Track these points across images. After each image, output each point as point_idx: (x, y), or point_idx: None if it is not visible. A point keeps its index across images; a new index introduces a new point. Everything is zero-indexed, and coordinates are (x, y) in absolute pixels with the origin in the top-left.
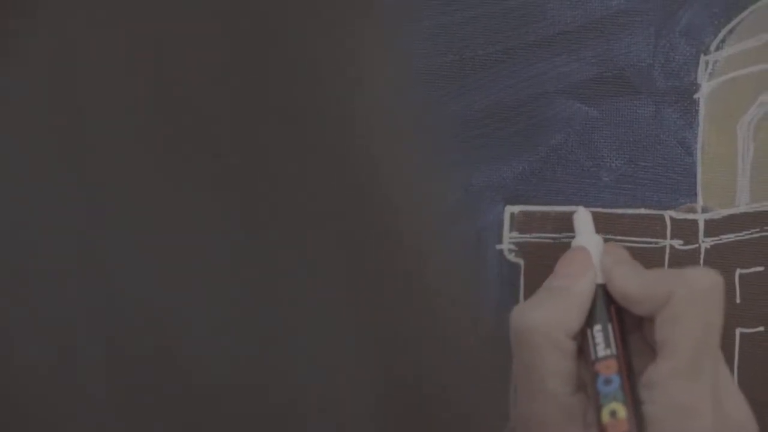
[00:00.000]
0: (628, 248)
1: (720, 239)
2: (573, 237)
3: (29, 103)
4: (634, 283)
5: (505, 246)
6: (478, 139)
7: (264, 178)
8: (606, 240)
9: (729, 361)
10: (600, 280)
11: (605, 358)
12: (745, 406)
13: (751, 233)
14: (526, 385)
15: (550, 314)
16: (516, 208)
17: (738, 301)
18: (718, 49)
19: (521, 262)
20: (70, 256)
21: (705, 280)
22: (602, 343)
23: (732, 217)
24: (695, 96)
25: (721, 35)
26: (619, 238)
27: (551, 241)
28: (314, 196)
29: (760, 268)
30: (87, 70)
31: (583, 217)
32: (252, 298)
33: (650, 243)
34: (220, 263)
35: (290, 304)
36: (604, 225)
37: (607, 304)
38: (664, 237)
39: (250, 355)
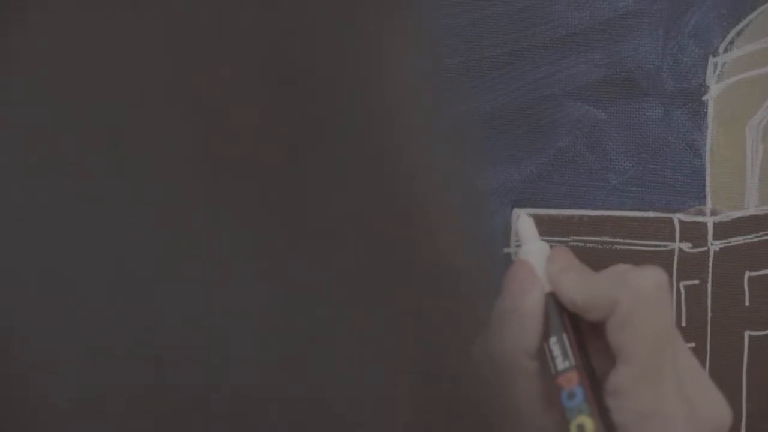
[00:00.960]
0: (636, 251)
1: (729, 242)
2: (581, 241)
3: (70, 133)
4: (580, 291)
5: (513, 249)
6: (485, 142)
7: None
8: (551, 244)
9: (737, 364)
10: (548, 289)
11: (565, 370)
12: (715, 396)
13: (761, 236)
14: (505, 410)
15: (506, 340)
16: (524, 212)
17: (747, 303)
18: (726, 50)
19: None
20: (113, 281)
21: (649, 281)
22: (560, 355)
23: (741, 219)
24: (704, 98)
25: (729, 37)
26: (627, 241)
27: (560, 244)
28: (330, 203)
29: None
30: (126, 92)
31: (525, 224)
32: (288, 315)
33: (659, 246)
34: (255, 282)
35: (324, 318)
36: (612, 228)
37: (560, 313)
38: (672, 240)
39: (291, 374)
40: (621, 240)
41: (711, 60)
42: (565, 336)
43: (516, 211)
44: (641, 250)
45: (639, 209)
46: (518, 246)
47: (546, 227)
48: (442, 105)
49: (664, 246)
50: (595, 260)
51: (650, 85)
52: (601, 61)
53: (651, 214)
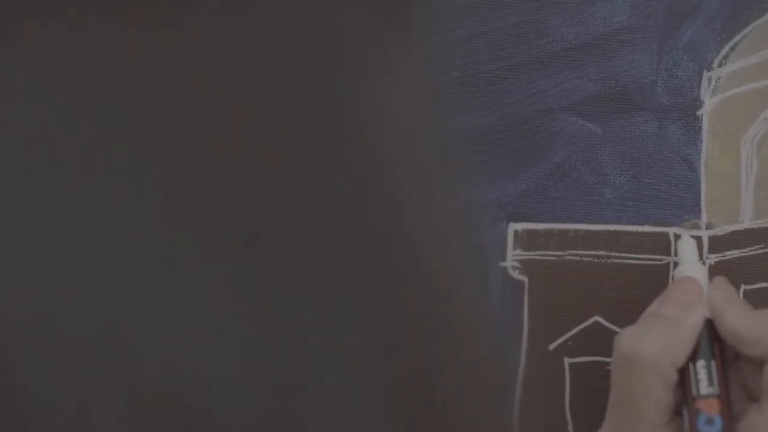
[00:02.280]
0: (632, 265)
1: (724, 255)
2: (577, 255)
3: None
4: (746, 324)
5: (509, 263)
6: (480, 156)
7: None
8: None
9: None
10: (707, 315)
11: (708, 396)
12: None
13: (756, 249)
14: (622, 409)
15: (660, 343)
16: (519, 226)
17: None
18: (721, 65)
19: (525, 279)
20: (94, 312)
21: None
22: (705, 380)
23: (736, 233)
24: (698, 112)
25: (723, 51)
26: (622, 255)
27: (555, 258)
28: (321, 208)
29: (765, 284)
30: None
31: (688, 244)
32: (271, 343)
33: (654, 260)
34: (239, 313)
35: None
36: (607, 242)
37: (711, 340)
38: (668, 254)
39: (273, 402)
40: (616, 254)
41: (705, 75)
42: (713, 363)
43: (677, 230)
44: (637, 264)
45: (634, 223)
46: (533, 256)
47: (541, 241)
48: (438, 119)
49: (660, 260)
50: (591, 274)
51: (645, 99)
52: (596, 76)
53: (646, 228)
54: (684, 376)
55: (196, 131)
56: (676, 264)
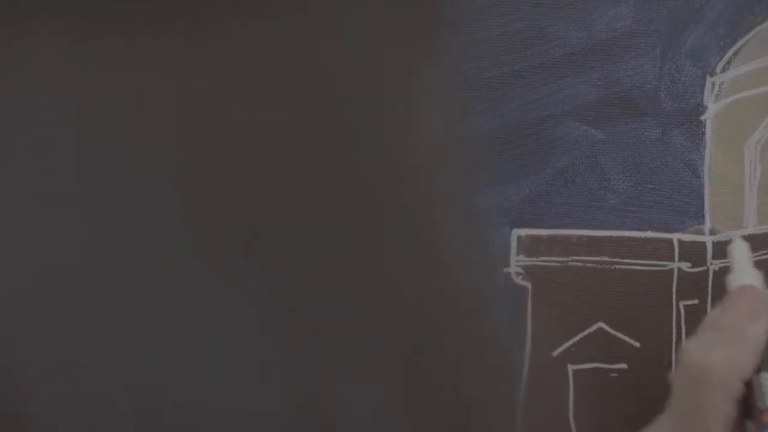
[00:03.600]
0: (636, 271)
1: (728, 261)
2: (581, 261)
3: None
4: None
5: (513, 269)
6: (483, 162)
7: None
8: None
9: None
10: None
11: None
12: None
13: (759, 255)
14: (688, 424)
15: (727, 356)
16: (523, 231)
17: None
18: (724, 70)
19: (529, 285)
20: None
21: None
22: None
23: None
24: (702, 117)
25: (727, 56)
26: (626, 261)
27: (558, 264)
28: (330, 221)
29: None
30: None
31: (740, 249)
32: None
33: (658, 266)
34: (254, 342)
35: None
36: (610, 248)
37: None
38: (672, 260)
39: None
40: (620, 260)
41: (708, 80)
42: None
43: (731, 234)
44: (640, 269)
45: (638, 229)
46: (537, 261)
47: (545, 247)
48: (461, 126)
49: (663, 266)
50: (594, 280)
51: (648, 105)
52: (599, 82)
53: (650, 233)
54: (747, 388)
55: (223, 138)
56: (672, 270)
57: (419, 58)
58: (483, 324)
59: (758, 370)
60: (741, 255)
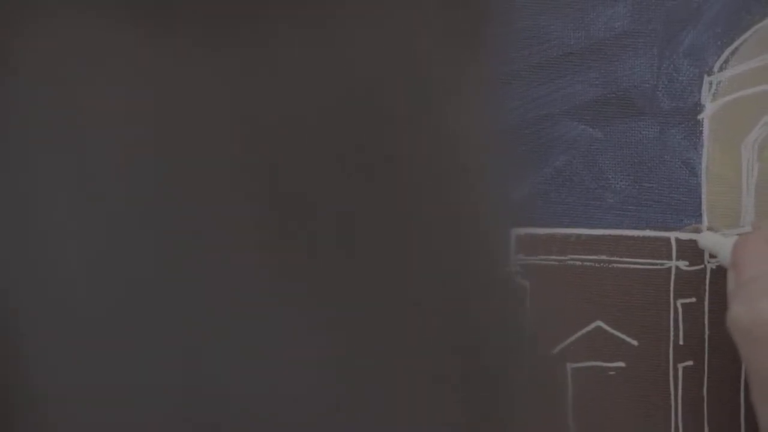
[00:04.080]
0: (633, 270)
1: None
2: (579, 260)
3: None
4: None
5: (513, 268)
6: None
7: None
8: None
9: (736, 381)
10: None
11: None
12: None
13: None
14: None
15: None
16: (521, 230)
17: None
18: (721, 69)
19: (527, 284)
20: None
21: None
22: None
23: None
24: (699, 117)
25: (724, 56)
26: (624, 259)
27: (556, 263)
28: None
29: None
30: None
31: (706, 238)
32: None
33: (656, 264)
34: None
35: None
36: (608, 247)
37: None
38: (669, 258)
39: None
40: (618, 258)
41: (706, 79)
42: None
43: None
44: (638, 268)
45: (635, 228)
46: (535, 260)
47: (543, 246)
48: (500, 124)
49: (661, 264)
50: (592, 279)
51: (646, 104)
52: (597, 81)
53: (648, 232)
54: None
55: (266, 138)
56: (670, 268)
57: (462, 51)
58: (516, 316)
59: None
60: (711, 240)
